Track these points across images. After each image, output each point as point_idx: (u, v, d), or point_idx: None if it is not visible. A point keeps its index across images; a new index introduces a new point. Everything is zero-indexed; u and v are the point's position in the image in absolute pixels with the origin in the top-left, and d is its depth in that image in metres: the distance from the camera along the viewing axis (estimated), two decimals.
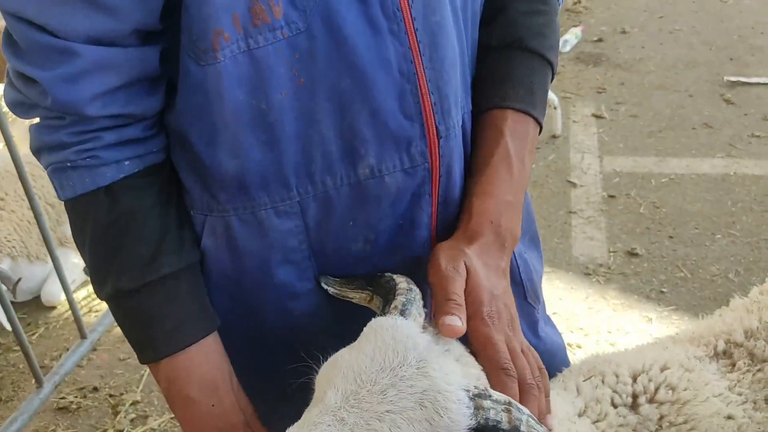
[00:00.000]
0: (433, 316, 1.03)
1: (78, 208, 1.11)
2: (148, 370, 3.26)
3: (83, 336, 3.24)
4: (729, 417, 1.32)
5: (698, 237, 3.84)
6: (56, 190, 1.11)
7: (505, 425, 0.85)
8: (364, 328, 0.98)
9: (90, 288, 3.86)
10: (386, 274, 1.14)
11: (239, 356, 1.24)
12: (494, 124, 1.20)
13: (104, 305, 3.63)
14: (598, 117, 5.09)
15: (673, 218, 4.00)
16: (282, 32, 1.02)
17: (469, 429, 0.86)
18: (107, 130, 1.06)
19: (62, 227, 3.76)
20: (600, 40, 6.31)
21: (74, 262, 3.76)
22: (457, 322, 0.97)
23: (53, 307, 3.74)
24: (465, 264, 1.06)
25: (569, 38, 6.14)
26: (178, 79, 1.07)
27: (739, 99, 5.13)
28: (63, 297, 3.36)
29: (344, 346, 1.09)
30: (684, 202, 4.12)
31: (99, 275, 1.13)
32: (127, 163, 1.09)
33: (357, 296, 1.17)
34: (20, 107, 1.08)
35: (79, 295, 3.78)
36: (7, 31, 1.02)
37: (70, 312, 3.27)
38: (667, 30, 6.38)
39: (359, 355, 0.94)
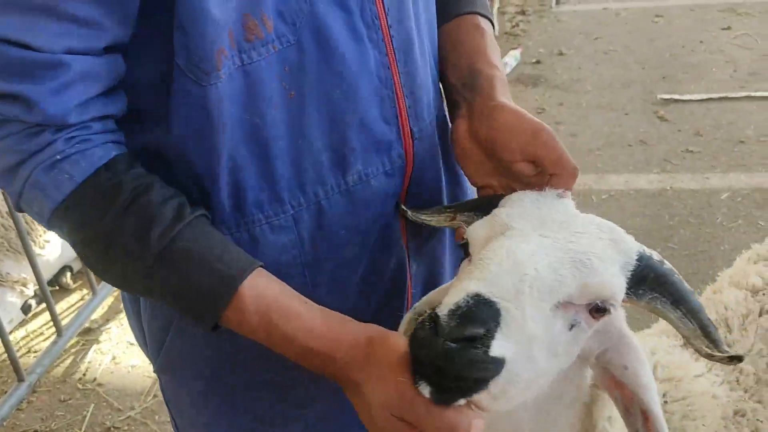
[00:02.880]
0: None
1: (83, 200, 1.03)
2: (90, 410, 3.19)
3: (21, 378, 3.13)
4: (714, 396, 1.45)
5: None
6: (48, 194, 1.02)
7: (656, 256, 1.03)
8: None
9: (28, 327, 3.74)
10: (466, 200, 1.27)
11: (235, 372, 1.23)
12: (476, 23, 1.35)
13: (43, 345, 3.53)
14: None
15: None
16: (273, 46, 1.03)
17: (636, 254, 1.01)
18: (93, 120, 1.03)
19: None
20: (538, 62, 6.47)
21: (10, 302, 3.64)
22: None
23: None
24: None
25: (509, 60, 6.28)
26: (165, 106, 1.06)
27: (673, 116, 5.31)
28: None
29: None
30: (624, 217, 4.22)
31: (137, 245, 1.02)
32: (111, 145, 1.05)
33: (435, 219, 1.21)
34: None
35: (16, 336, 3.66)
36: None
37: (6, 354, 3.16)
38: (602, 51, 6.58)
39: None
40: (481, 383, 0.88)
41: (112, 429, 3.09)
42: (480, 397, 0.90)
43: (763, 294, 1.63)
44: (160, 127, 1.08)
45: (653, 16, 7.24)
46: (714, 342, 1.00)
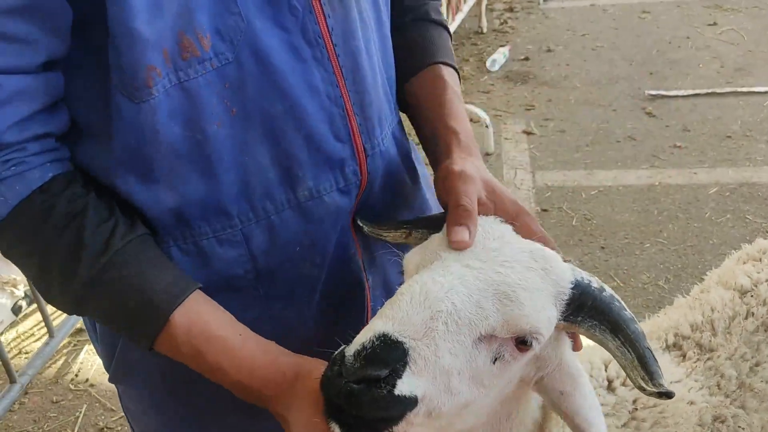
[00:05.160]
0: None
1: (17, 222, 1.03)
2: (83, 411, 3.18)
3: (12, 380, 3.12)
4: (691, 402, 1.43)
5: (628, 246, 3.96)
6: None
7: (594, 284, 1.01)
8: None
9: (19, 329, 3.72)
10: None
11: (186, 382, 1.22)
12: (437, 75, 1.36)
13: (34, 346, 3.51)
14: (528, 133, 5.22)
15: (603, 229, 4.12)
16: (211, 63, 1.03)
17: (570, 283, 1.00)
18: (30, 141, 1.03)
19: None
20: (527, 58, 6.49)
21: (1, 303, 3.62)
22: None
23: None
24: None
25: (497, 58, 6.30)
26: (107, 122, 1.05)
27: (660, 111, 5.34)
28: None
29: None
30: (613, 212, 4.25)
31: (67, 270, 1.04)
32: (49, 164, 1.05)
33: (391, 235, 1.22)
34: None
35: (7, 337, 3.64)
36: None
37: None
38: (590, 47, 6.61)
39: None
40: (388, 421, 0.90)
41: (105, 429, 3.09)
42: (399, 429, 0.92)
43: (751, 296, 1.61)
44: (102, 143, 1.08)
45: (640, 12, 7.29)
46: (650, 374, 0.98)
